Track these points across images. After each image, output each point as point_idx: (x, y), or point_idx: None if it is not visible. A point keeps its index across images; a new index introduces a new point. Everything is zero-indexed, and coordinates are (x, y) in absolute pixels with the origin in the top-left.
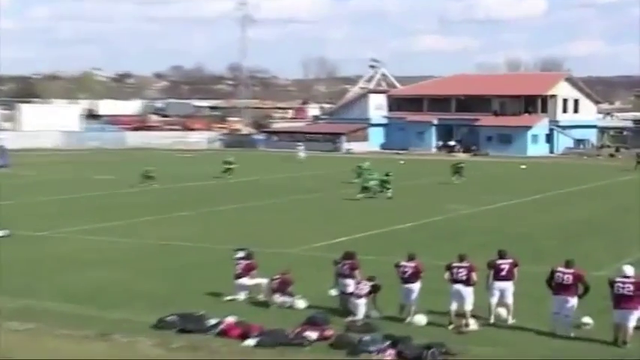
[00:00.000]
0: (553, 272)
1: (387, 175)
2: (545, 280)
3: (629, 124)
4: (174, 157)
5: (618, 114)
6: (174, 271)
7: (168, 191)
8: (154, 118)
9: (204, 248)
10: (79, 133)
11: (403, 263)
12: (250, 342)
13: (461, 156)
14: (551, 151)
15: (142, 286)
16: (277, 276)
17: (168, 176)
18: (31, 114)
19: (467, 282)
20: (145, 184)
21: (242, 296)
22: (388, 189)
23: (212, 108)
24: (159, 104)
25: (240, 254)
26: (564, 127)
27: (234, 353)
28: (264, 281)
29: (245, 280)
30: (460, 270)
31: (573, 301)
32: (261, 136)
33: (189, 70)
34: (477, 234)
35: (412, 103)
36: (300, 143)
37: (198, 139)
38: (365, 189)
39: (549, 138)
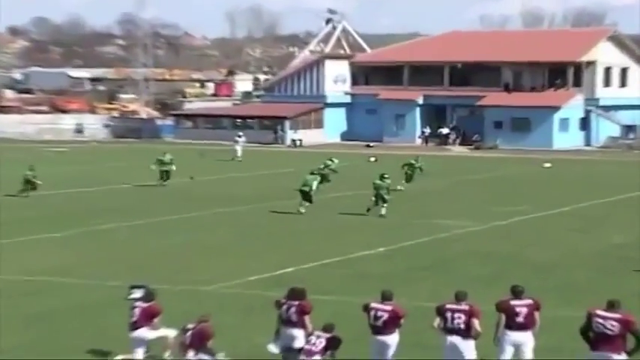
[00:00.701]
0: (590, 318)
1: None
2: (579, 329)
3: None
4: (42, 152)
5: None
6: (42, 321)
7: (42, 203)
8: (9, 94)
9: (85, 286)
10: None
11: (375, 306)
12: None
13: (458, 149)
14: (588, 143)
15: None
16: (191, 325)
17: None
18: None
19: (466, 332)
20: (24, 193)
21: (139, 355)
22: (384, 201)
23: (95, 80)
24: (16, 75)
25: (137, 294)
26: (607, 108)
27: None
28: (171, 333)
29: (144, 332)
30: (457, 315)
31: (620, 358)
32: (168, 122)
33: (59, 24)
34: (482, 263)
35: (387, 73)
36: (240, 133)
37: (76, 125)
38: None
39: (585, 124)
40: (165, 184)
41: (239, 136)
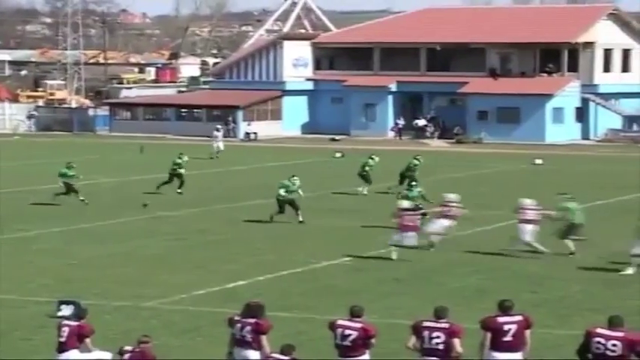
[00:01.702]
0: (589, 337)
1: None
2: (576, 350)
3: None
4: None
5: None
6: None
7: None
8: None
9: (5, 302)
10: None
11: (342, 323)
12: None
13: (436, 143)
14: (586, 136)
15: None
16: (129, 347)
17: None
18: None
19: (445, 354)
20: None
21: None
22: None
23: (17, 64)
24: None
25: (66, 311)
26: (607, 97)
27: None
28: (106, 356)
29: (74, 355)
30: (435, 334)
31: None
32: (102, 112)
33: None
34: (464, 274)
35: (355, 56)
36: (218, 126)
37: None
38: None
39: (582, 114)
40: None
41: (217, 130)
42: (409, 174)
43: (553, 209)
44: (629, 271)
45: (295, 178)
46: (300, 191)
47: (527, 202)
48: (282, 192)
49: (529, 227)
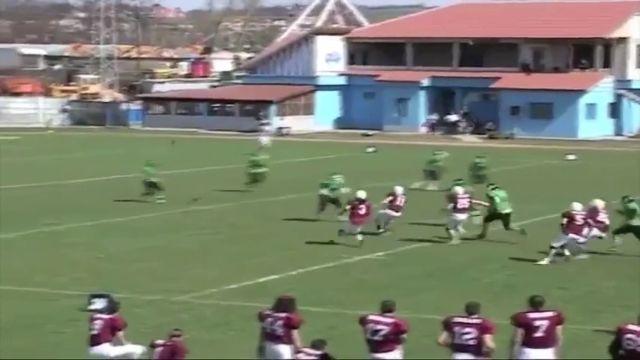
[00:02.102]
0: (620, 334)
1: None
2: (608, 346)
3: None
4: None
5: None
6: None
7: None
8: None
9: (37, 295)
10: None
11: (373, 318)
12: None
13: (468, 138)
14: (619, 132)
15: None
16: (161, 341)
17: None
18: None
19: (477, 349)
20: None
21: None
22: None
23: (51, 58)
24: None
25: (99, 304)
26: None
27: None
28: (137, 349)
29: (106, 348)
30: (467, 330)
31: None
32: (135, 106)
33: None
34: (495, 269)
35: (388, 51)
36: (265, 120)
37: (28, 109)
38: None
39: (615, 110)
40: (253, 190)
41: (264, 125)
42: (477, 173)
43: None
44: (544, 261)
45: (336, 175)
46: (343, 189)
47: (578, 206)
48: (324, 192)
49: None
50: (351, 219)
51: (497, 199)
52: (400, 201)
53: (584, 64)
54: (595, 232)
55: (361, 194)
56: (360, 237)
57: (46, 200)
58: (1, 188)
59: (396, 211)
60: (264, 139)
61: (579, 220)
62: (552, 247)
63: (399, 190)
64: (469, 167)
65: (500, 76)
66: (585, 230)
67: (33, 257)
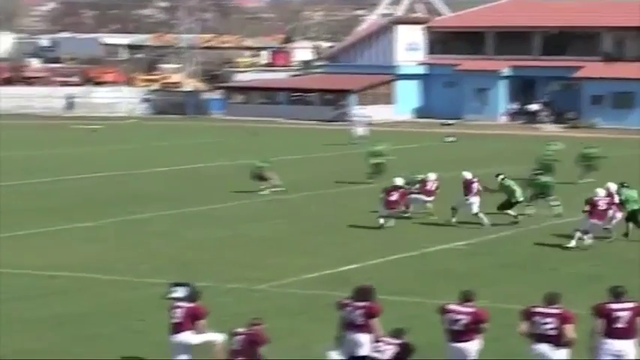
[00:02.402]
0: None
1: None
2: None
3: None
4: (71, 129)
5: None
6: (69, 324)
7: (70, 189)
8: (35, 64)
9: (120, 283)
10: None
11: (453, 308)
12: None
13: (549, 128)
14: None
15: (12, 349)
16: (241, 329)
17: (62, 163)
18: None
19: (557, 340)
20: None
21: None
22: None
23: (133, 48)
24: (43, 41)
25: (180, 293)
26: None
27: None
28: (218, 338)
29: (187, 336)
30: (547, 320)
31: None
32: (216, 96)
33: None
34: (576, 260)
35: (468, 40)
36: (358, 107)
37: (111, 98)
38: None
39: None
40: (372, 182)
41: (360, 115)
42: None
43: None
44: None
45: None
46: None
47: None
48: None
49: None
50: (383, 204)
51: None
52: (431, 186)
53: None
54: (618, 215)
55: (398, 181)
56: (381, 220)
57: (127, 189)
58: (84, 177)
59: (427, 196)
60: (360, 129)
61: (602, 205)
62: (576, 231)
63: (431, 176)
64: (578, 158)
65: (582, 65)
66: (610, 214)
67: (116, 245)
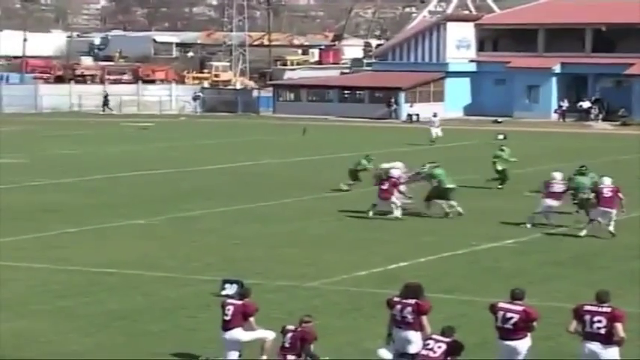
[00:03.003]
0: None
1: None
2: None
3: None
4: (123, 127)
5: None
6: (122, 320)
7: (122, 186)
8: (88, 62)
9: (172, 280)
10: None
11: (504, 306)
12: None
13: (600, 125)
14: None
15: (64, 346)
16: (292, 327)
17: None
18: None
19: (607, 338)
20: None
21: (233, 358)
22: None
23: (184, 46)
24: (95, 39)
25: (231, 290)
26: None
27: None
28: (269, 335)
29: (238, 333)
30: (597, 318)
31: None
32: (266, 93)
33: None
34: (629, 257)
35: (519, 37)
36: (435, 112)
37: (161, 96)
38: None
39: None
40: (502, 188)
41: (434, 115)
42: None
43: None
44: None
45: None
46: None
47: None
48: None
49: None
50: (377, 195)
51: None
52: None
53: None
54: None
55: (394, 171)
56: (370, 213)
57: (178, 186)
58: (135, 174)
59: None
60: (435, 130)
61: (607, 192)
62: (591, 220)
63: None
64: None
65: (634, 62)
66: (616, 201)
67: (167, 242)
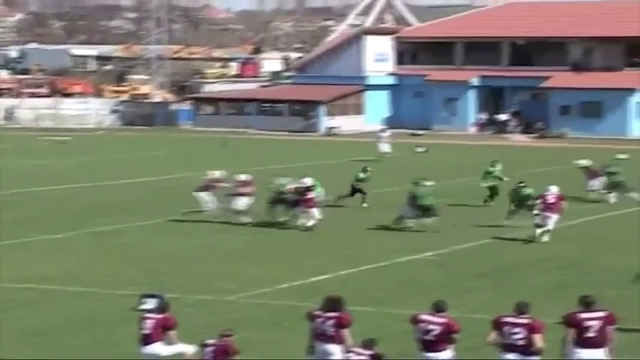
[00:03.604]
0: None
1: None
2: None
3: None
4: (40, 141)
5: None
6: (41, 335)
7: (40, 200)
8: (3, 75)
9: (91, 295)
10: None
11: (425, 318)
12: None
13: (518, 138)
14: None
15: None
16: (212, 340)
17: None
18: None
19: (526, 349)
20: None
21: None
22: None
23: (102, 59)
24: (11, 52)
25: (150, 304)
26: None
27: None
28: (189, 349)
29: (158, 348)
30: (516, 329)
31: None
32: (185, 107)
33: None
34: (546, 269)
35: (437, 50)
36: (383, 127)
37: (80, 110)
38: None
39: None
40: (491, 204)
41: (383, 130)
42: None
43: None
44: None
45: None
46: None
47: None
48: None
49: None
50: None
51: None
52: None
53: (636, 63)
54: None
55: (307, 180)
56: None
57: (98, 200)
58: (53, 188)
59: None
60: (384, 147)
61: (550, 199)
62: (537, 226)
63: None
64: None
65: (550, 75)
66: (561, 206)
67: (85, 257)
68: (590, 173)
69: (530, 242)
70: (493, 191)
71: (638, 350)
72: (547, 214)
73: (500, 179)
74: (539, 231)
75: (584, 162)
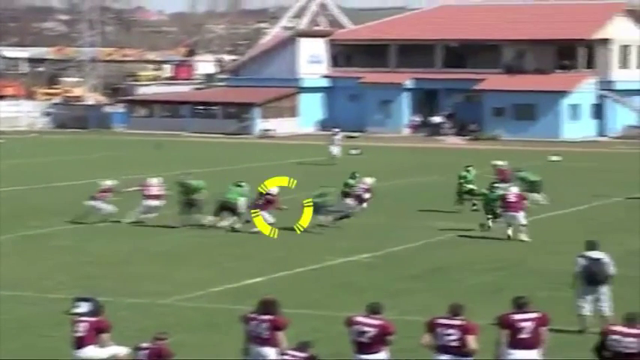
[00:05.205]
0: (605, 335)
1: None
2: (593, 347)
3: None
4: None
5: None
6: None
7: None
8: None
9: (23, 299)
10: None
11: (360, 320)
12: None
13: (452, 140)
14: (602, 133)
15: None
16: (146, 344)
17: None
18: None
19: (459, 350)
20: None
21: None
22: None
23: (34, 61)
24: None
25: (83, 308)
26: (624, 93)
27: None
28: (122, 352)
29: (91, 351)
30: (449, 331)
31: None
32: (118, 109)
33: None
34: (481, 270)
35: (371, 53)
36: (336, 129)
37: (12, 112)
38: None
39: (598, 111)
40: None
41: (335, 134)
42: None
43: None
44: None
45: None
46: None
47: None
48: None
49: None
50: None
51: None
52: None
53: (567, 66)
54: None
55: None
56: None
57: (30, 203)
58: None
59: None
60: (335, 149)
61: (511, 198)
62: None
63: (153, 180)
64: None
65: (484, 78)
66: (523, 205)
67: (16, 261)
68: (500, 174)
69: (491, 241)
70: (473, 194)
71: (569, 350)
72: (511, 213)
73: (473, 182)
74: (511, 229)
75: (500, 162)
